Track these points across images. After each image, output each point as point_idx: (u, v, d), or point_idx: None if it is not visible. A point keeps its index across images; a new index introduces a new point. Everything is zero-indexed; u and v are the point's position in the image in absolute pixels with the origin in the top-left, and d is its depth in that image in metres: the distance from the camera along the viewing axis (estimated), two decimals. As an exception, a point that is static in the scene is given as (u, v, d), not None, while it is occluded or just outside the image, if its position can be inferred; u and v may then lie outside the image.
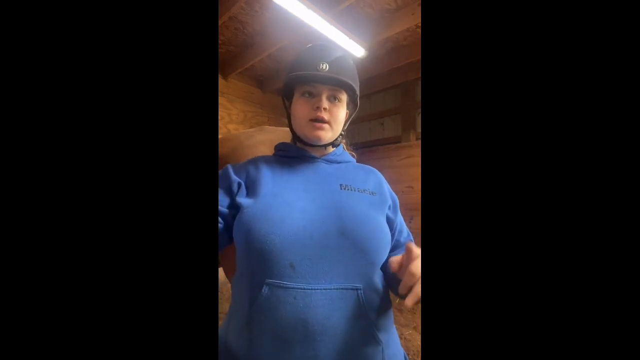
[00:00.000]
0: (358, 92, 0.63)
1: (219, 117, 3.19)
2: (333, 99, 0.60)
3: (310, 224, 0.51)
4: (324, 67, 0.58)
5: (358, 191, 0.59)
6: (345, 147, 0.73)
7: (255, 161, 0.66)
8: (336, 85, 0.59)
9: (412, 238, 0.68)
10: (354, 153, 0.76)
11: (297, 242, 0.49)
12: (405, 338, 1.99)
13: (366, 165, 0.70)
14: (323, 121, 0.59)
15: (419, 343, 1.95)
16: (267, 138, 1.18)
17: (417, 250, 0.44)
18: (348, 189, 0.58)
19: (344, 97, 0.61)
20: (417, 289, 0.41)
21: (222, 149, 1.18)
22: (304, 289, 0.47)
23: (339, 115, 0.61)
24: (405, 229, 0.67)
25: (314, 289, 0.47)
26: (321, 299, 0.47)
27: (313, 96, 0.60)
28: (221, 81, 3.15)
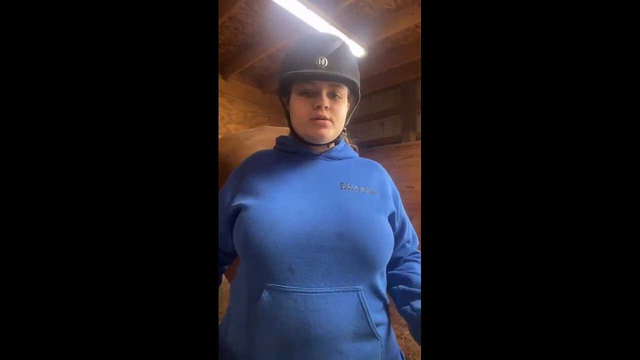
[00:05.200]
0: (359, 84, 0.61)
1: (219, 117, 3.19)
2: (333, 95, 0.57)
3: (307, 226, 0.50)
4: (323, 63, 0.54)
5: (359, 190, 0.57)
6: (347, 140, 0.71)
7: (252, 161, 0.65)
8: (339, 81, 0.56)
9: (417, 242, 0.67)
10: (355, 146, 0.73)
11: (293, 245, 0.48)
12: (405, 338, 1.99)
13: (369, 160, 0.68)
14: (325, 119, 0.56)
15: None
16: (266, 138, 1.18)
17: None
18: (348, 188, 0.57)
19: (344, 92, 0.59)
20: None
21: (222, 149, 1.18)
22: (304, 292, 0.47)
23: (340, 111, 0.58)
24: (408, 230, 0.65)
25: (315, 293, 0.47)
26: (322, 302, 0.47)
27: (312, 94, 0.57)
28: (221, 81, 3.15)
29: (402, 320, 2.24)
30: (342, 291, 0.48)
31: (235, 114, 3.36)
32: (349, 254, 0.49)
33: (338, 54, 0.56)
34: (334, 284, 0.48)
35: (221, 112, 3.22)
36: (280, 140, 0.67)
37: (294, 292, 0.47)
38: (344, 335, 0.47)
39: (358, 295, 0.49)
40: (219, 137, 1.27)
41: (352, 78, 0.56)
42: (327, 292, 0.47)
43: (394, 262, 0.62)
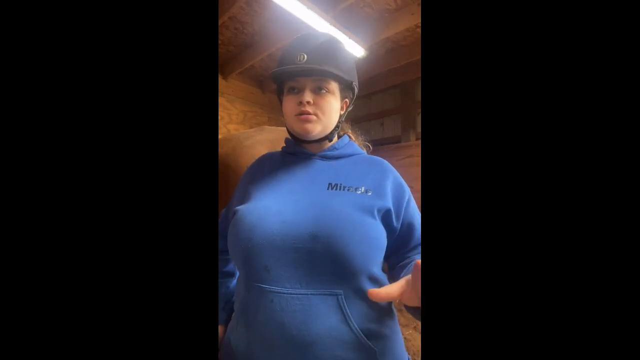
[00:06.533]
0: (351, 78, 0.59)
1: (219, 117, 3.19)
2: (319, 89, 0.56)
3: (284, 226, 0.49)
4: (302, 59, 0.54)
5: (348, 190, 0.54)
6: (353, 138, 0.68)
7: (254, 167, 0.67)
8: (317, 75, 0.55)
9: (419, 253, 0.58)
10: (369, 144, 0.71)
11: (269, 245, 0.48)
12: (405, 338, 1.99)
13: (373, 158, 0.64)
14: (309, 114, 0.55)
15: (419, 343, 1.95)
16: (266, 138, 1.18)
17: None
18: (336, 189, 0.55)
19: (332, 85, 0.57)
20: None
21: (222, 149, 1.18)
22: (280, 292, 0.47)
23: (326, 106, 0.56)
24: (414, 229, 0.57)
25: (290, 293, 0.46)
26: (298, 304, 0.46)
27: (298, 91, 0.57)
28: (221, 81, 3.15)
29: (402, 320, 2.25)
30: (320, 294, 0.47)
31: (235, 114, 3.36)
32: (324, 256, 0.47)
33: (320, 48, 0.55)
34: (310, 286, 0.47)
35: (221, 112, 3.22)
36: (285, 141, 0.67)
37: (270, 291, 0.47)
38: (322, 340, 0.45)
39: (338, 300, 0.47)
40: (219, 137, 1.27)
41: (335, 70, 0.54)
42: (302, 294, 0.46)
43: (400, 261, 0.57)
